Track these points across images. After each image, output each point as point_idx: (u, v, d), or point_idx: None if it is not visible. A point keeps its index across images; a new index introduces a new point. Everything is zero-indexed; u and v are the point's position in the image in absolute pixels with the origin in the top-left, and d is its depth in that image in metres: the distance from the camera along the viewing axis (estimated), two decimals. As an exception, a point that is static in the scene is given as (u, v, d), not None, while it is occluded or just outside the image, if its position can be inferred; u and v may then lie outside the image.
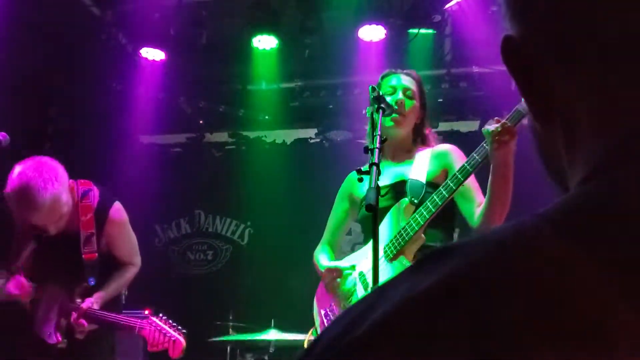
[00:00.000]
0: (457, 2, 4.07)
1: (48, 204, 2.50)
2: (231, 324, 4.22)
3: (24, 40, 4.15)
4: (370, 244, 2.38)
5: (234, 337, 3.93)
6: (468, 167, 2.17)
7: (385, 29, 4.34)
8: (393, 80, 2.51)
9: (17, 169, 2.53)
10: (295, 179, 5.42)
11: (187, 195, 5.81)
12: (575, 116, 0.46)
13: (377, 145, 1.99)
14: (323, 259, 2.63)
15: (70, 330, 2.72)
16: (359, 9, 4.33)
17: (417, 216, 2.27)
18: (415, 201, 2.36)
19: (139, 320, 2.69)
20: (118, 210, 2.84)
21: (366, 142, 2.51)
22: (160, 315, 2.72)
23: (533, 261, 0.37)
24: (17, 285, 2.72)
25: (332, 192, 2.80)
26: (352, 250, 3.54)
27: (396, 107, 2.38)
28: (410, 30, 4.38)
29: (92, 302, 2.68)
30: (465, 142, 5.40)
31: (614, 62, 0.43)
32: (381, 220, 2.40)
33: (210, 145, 6.04)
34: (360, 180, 2.05)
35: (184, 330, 2.70)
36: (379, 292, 0.40)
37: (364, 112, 2.40)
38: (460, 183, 2.19)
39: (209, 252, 5.84)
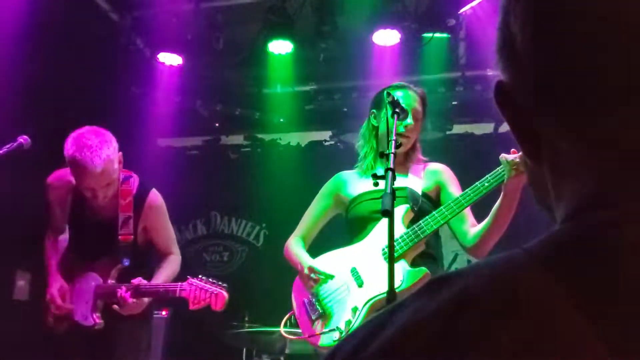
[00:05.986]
0: (472, 7, 4.08)
1: (103, 164, 2.62)
2: (246, 325, 4.26)
3: (44, 45, 4.23)
4: (362, 242, 2.47)
5: (251, 329, 3.99)
6: (481, 187, 2.27)
7: (399, 33, 4.36)
8: (408, 99, 2.55)
9: (75, 133, 2.68)
10: (310, 181, 5.41)
11: (203, 197, 5.87)
12: (559, 158, 0.51)
13: (393, 150, 2.03)
14: (303, 253, 2.70)
15: (106, 312, 2.78)
16: (373, 14, 4.35)
17: (422, 224, 2.36)
18: (415, 209, 2.45)
19: (179, 283, 2.75)
20: (156, 195, 2.97)
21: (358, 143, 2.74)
22: (200, 276, 2.79)
23: (519, 293, 0.43)
24: (60, 293, 2.80)
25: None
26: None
27: (404, 131, 2.49)
28: (425, 35, 4.40)
29: (141, 280, 2.73)
30: (480, 144, 5.43)
31: (593, 109, 0.48)
32: (371, 223, 2.47)
33: (226, 148, 6.10)
34: (377, 184, 2.10)
35: (225, 285, 2.79)
36: (389, 313, 0.47)
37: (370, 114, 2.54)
38: (472, 200, 2.29)
39: (225, 253, 5.90)
